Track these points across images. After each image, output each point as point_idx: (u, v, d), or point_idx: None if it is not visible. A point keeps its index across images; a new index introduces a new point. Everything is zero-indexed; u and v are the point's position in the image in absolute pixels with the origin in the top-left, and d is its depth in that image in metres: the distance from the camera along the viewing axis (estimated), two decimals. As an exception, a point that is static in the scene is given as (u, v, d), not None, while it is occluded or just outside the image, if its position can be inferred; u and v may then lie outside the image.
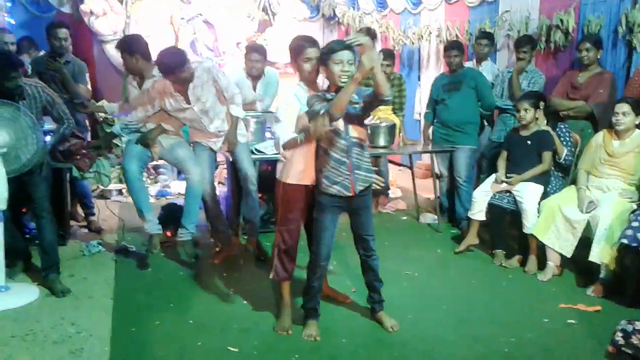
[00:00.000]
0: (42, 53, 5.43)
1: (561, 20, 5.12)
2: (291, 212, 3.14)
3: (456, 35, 6.59)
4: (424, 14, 7.32)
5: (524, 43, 5.02)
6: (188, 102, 4.02)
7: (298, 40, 3.09)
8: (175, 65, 3.79)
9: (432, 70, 7.23)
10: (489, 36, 5.55)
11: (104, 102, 4.65)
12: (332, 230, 3.11)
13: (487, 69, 5.36)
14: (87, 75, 5.10)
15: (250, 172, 4.35)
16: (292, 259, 3.23)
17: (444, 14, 6.98)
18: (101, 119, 6.47)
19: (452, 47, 5.11)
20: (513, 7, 5.76)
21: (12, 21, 7.37)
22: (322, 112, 2.80)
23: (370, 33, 5.88)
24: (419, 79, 7.59)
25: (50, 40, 4.81)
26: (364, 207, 3.12)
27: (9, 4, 7.44)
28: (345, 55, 2.85)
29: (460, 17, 6.64)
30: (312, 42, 3.06)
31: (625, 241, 3.46)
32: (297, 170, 3.08)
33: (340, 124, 2.92)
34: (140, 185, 4.17)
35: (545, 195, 4.19)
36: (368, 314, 3.35)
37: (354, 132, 2.96)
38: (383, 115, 5.15)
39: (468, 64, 5.37)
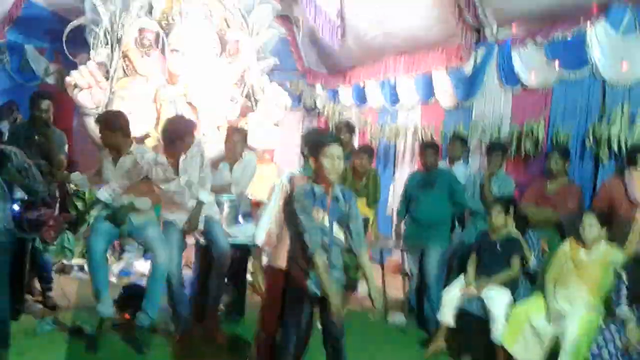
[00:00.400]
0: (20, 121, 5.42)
1: (531, 129, 5.32)
2: (277, 297, 3.06)
3: (431, 135, 6.79)
4: (401, 113, 7.57)
5: (496, 149, 5.20)
6: (177, 173, 4.06)
7: (318, 135, 3.10)
8: (186, 132, 4.03)
9: (407, 166, 7.38)
10: (463, 139, 5.73)
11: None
12: (303, 323, 2.99)
13: (460, 170, 5.49)
14: (66, 146, 5.08)
15: (226, 248, 4.28)
16: (273, 347, 3.11)
17: (419, 114, 7.21)
18: (72, 191, 6.38)
19: (429, 146, 5.24)
20: (486, 112, 5.99)
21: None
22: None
23: (349, 127, 6.06)
24: (393, 174, 7.73)
25: (32, 110, 4.82)
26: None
27: (-8, 70, 7.52)
28: (336, 149, 2.86)
29: (436, 119, 6.86)
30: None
31: (591, 360, 3.43)
32: (284, 255, 3.05)
33: (327, 221, 2.89)
34: (102, 265, 4.10)
35: (513, 301, 4.17)
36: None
37: (338, 232, 2.94)
38: (356, 208, 5.17)
39: (441, 164, 5.50)
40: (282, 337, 3.05)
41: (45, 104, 4.82)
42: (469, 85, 6.20)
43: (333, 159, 2.86)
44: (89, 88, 7.12)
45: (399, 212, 5.51)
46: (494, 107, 5.90)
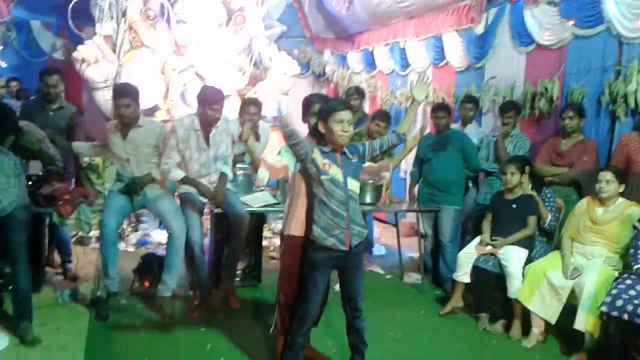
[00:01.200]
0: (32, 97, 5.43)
1: (545, 88, 5.26)
2: (294, 265, 3.10)
3: (443, 97, 6.73)
4: (412, 76, 7.48)
5: (509, 108, 5.15)
6: (207, 145, 4.18)
7: (310, 97, 3.11)
8: (220, 98, 4.14)
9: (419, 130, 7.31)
10: (474, 100, 5.68)
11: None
12: (322, 288, 3.05)
13: (472, 132, 5.45)
14: (81, 120, 5.06)
15: (244, 213, 4.32)
16: (293, 315, 3.15)
17: (431, 77, 7.14)
18: (85, 164, 6.40)
19: (440, 109, 5.21)
20: (499, 73, 5.92)
21: (4, 64, 7.40)
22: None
23: (359, 92, 6.01)
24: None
25: (42, 87, 4.81)
26: (356, 266, 3.08)
27: (1, 48, 7.49)
28: (346, 115, 2.89)
29: (447, 81, 6.80)
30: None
31: (604, 309, 3.45)
32: (300, 221, 3.07)
33: (340, 175, 2.92)
34: (114, 242, 4.14)
35: (529, 260, 4.18)
36: (349, 376, 3.25)
37: (352, 185, 2.96)
38: (370, 172, 5.16)
39: (454, 126, 5.47)
40: (301, 303, 3.08)
41: (54, 79, 4.80)
42: (481, 46, 6.12)
43: (343, 124, 2.87)
44: (96, 62, 7.11)
45: (413, 174, 5.50)
46: (507, 67, 5.82)
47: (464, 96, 5.96)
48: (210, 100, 4.14)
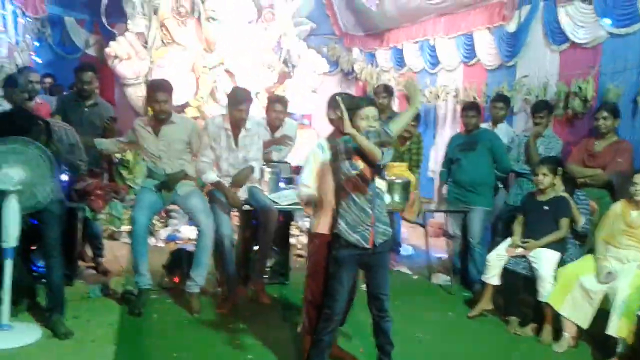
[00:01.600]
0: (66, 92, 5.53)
1: (580, 88, 5.15)
2: (321, 263, 3.11)
3: (473, 96, 6.65)
4: (442, 74, 7.43)
5: (541, 108, 5.06)
6: (237, 146, 4.27)
7: (354, 98, 3.16)
8: (246, 98, 4.24)
9: (448, 129, 7.27)
10: (505, 99, 5.60)
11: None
12: (347, 286, 3.05)
13: (503, 132, 5.37)
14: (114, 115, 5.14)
15: (272, 207, 4.36)
16: (320, 314, 3.15)
17: (462, 75, 7.07)
18: (117, 160, 6.50)
19: (470, 108, 5.16)
20: (531, 72, 5.83)
21: (39, 60, 7.55)
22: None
23: (387, 90, 5.98)
24: (434, 138, 7.63)
25: (77, 83, 4.90)
26: (382, 265, 3.07)
27: (36, 44, 7.65)
28: (372, 111, 2.92)
29: (478, 79, 6.72)
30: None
31: (641, 315, 3.38)
32: (327, 219, 3.09)
33: (367, 172, 2.91)
34: (144, 238, 4.21)
35: (562, 263, 4.11)
36: (376, 376, 3.24)
37: (378, 182, 2.97)
38: (398, 171, 5.13)
39: (484, 126, 5.40)
40: (326, 301, 3.08)
41: (88, 75, 4.88)
42: (513, 44, 6.04)
43: (368, 120, 2.90)
44: (129, 58, 7.21)
45: (442, 174, 5.45)
46: (540, 66, 5.74)
47: (495, 95, 5.89)
48: (235, 101, 4.24)
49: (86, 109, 4.86)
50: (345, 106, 2.97)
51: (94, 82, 4.92)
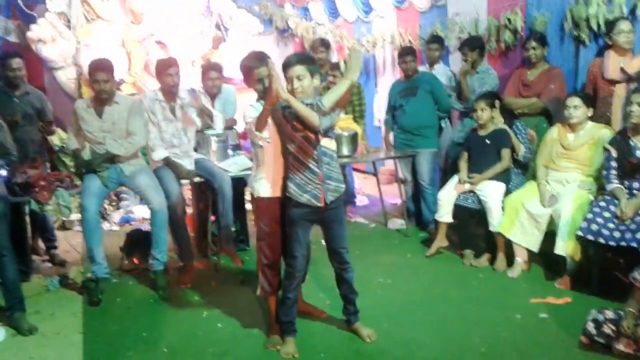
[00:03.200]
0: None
1: (509, 20, 5.25)
2: (268, 225, 3.13)
3: (409, 40, 6.68)
4: (376, 22, 7.40)
5: (467, 45, 5.13)
6: (174, 116, 4.35)
7: (247, 61, 3.11)
8: (170, 63, 4.31)
9: (389, 76, 7.31)
10: (439, 40, 5.63)
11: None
12: (305, 243, 3.10)
13: (440, 72, 5.43)
14: (49, 104, 4.95)
15: (220, 170, 4.40)
16: (276, 274, 3.20)
17: (395, 21, 7.07)
18: (57, 148, 6.31)
19: (406, 53, 5.19)
20: (462, 9, 5.87)
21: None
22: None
23: (324, 44, 5.93)
24: (375, 86, 7.67)
25: (4, 72, 4.65)
26: (337, 220, 3.11)
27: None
28: (295, 71, 2.89)
29: (412, 23, 6.74)
30: (261, 60, 3.05)
31: (580, 233, 3.57)
32: (269, 183, 3.08)
33: (311, 134, 2.92)
34: (96, 226, 4.11)
35: (507, 193, 4.27)
36: (344, 326, 3.34)
37: (324, 141, 2.97)
38: (344, 124, 5.15)
39: (421, 68, 5.45)
40: (287, 260, 3.13)
41: (16, 62, 4.63)
42: (441, -17, 6.05)
43: (292, 81, 2.89)
44: (53, 41, 6.91)
45: (386, 122, 5.53)
46: (469, 3, 5.78)
47: (429, 37, 5.91)
48: (161, 68, 4.27)
49: (16, 100, 4.64)
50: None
51: (22, 69, 4.68)
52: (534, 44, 4.61)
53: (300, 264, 3.10)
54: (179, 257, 4.49)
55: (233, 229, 4.87)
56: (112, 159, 4.14)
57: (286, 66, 2.93)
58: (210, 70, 4.86)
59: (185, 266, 4.39)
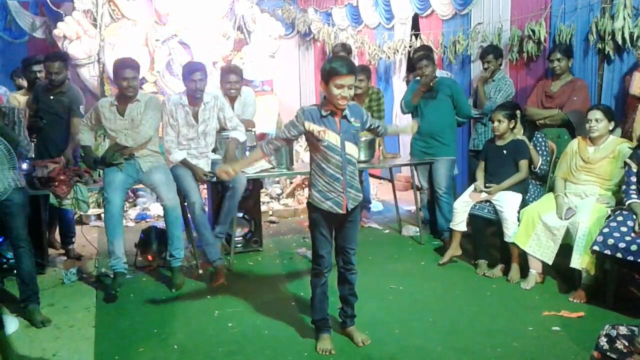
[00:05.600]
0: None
1: (532, 31, 5.21)
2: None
3: (429, 47, 6.64)
4: (398, 28, 7.40)
5: (487, 53, 5.11)
6: (196, 122, 4.35)
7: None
8: (198, 68, 4.32)
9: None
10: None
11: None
12: (328, 241, 3.11)
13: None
14: (83, 103, 5.03)
15: (241, 174, 4.36)
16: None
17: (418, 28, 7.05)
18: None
19: (424, 58, 5.14)
20: (485, 19, 5.85)
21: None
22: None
23: (345, 49, 5.94)
24: (393, 93, 7.65)
25: (46, 74, 4.81)
26: (352, 221, 3.12)
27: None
28: (348, 80, 2.85)
29: (434, 30, 6.72)
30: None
31: (596, 248, 3.52)
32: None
33: (337, 140, 2.93)
34: (119, 219, 4.16)
35: (524, 204, 4.23)
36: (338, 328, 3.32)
37: (349, 149, 2.98)
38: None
39: (440, 73, 5.37)
40: (314, 260, 3.16)
41: (57, 65, 4.78)
42: (466, -8, 6.03)
43: (343, 89, 2.86)
44: (78, 38, 7.01)
45: (406, 105, 5.45)
46: (493, 12, 5.76)
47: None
48: (187, 71, 4.28)
49: (52, 97, 4.81)
50: (322, 69, 2.92)
51: (64, 70, 4.83)
52: (559, 55, 4.58)
53: (327, 262, 3.12)
54: (196, 261, 4.50)
55: (244, 232, 4.89)
56: (121, 150, 4.19)
57: (338, 73, 2.83)
58: (230, 74, 4.87)
59: (215, 267, 4.30)
